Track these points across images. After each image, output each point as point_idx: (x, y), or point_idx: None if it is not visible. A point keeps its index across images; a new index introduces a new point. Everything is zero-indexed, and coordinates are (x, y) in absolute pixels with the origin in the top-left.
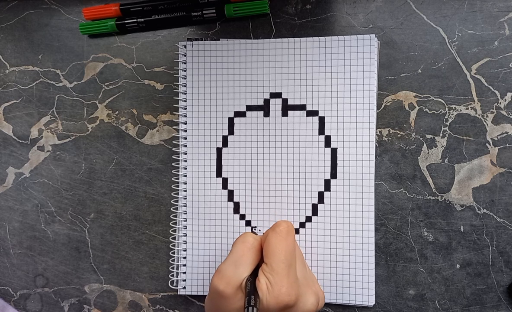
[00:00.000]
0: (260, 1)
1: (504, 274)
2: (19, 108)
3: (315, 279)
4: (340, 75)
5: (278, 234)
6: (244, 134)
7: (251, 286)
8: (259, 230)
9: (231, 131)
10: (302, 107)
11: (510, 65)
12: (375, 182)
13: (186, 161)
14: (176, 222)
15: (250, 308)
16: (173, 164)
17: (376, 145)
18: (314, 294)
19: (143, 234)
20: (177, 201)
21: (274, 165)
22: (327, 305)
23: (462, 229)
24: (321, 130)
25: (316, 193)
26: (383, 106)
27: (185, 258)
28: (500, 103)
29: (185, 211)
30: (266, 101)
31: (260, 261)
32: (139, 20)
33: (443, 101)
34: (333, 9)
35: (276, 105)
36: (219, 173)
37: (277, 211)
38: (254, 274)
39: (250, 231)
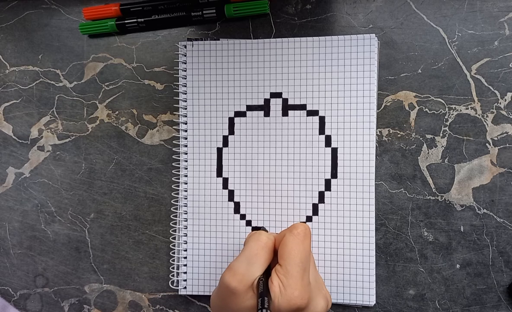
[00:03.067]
0: (260, 1)
1: (504, 274)
2: (19, 108)
3: (323, 281)
4: (340, 75)
5: (295, 237)
6: (244, 134)
7: (263, 287)
8: (264, 228)
9: (231, 131)
10: (302, 107)
11: (510, 65)
12: (375, 182)
13: (186, 161)
14: (176, 222)
15: (264, 311)
16: (173, 164)
17: (376, 145)
18: (324, 298)
19: (143, 234)
20: (177, 201)
21: (274, 165)
22: None
23: (462, 229)
24: (322, 130)
25: (317, 193)
26: (383, 106)
27: (185, 258)
28: (500, 103)
29: (186, 211)
30: (266, 101)
31: (272, 261)
32: (139, 20)
33: (443, 101)
34: (333, 9)
35: (276, 105)
36: (219, 172)
37: (277, 210)
38: (266, 274)
39: (252, 230)
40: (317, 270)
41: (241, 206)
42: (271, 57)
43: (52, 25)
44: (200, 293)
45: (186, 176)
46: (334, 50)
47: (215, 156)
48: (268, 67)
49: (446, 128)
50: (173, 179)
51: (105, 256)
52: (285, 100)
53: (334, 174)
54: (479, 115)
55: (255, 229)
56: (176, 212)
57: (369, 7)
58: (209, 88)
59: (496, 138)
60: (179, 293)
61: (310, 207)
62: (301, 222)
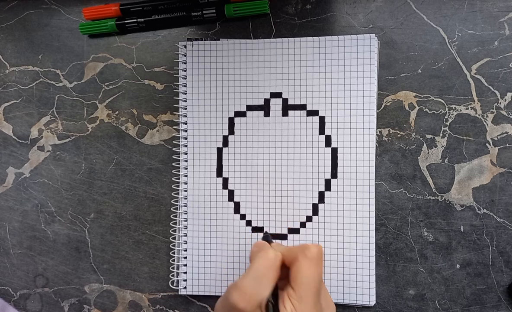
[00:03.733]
0: (260, 1)
1: (504, 274)
2: (19, 108)
3: (331, 298)
4: (340, 75)
5: (310, 261)
6: (244, 134)
7: (274, 311)
8: (265, 232)
9: (231, 131)
10: (302, 107)
11: (510, 65)
12: (375, 181)
13: (186, 161)
14: (176, 222)
15: None
16: (173, 164)
17: (376, 145)
18: (332, 309)
19: (143, 234)
20: (177, 201)
21: (274, 165)
22: None
23: (462, 229)
24: (322, 130)
25: (317, 193)
26: (383, 106)
27: (185, 258)
28: (500, 103)
29: (186, 211)
30: (266, 101)
31: (281, 279)
32: (139, 20)
33: (443, 101)
34: (333, 9)
35: (276, 105)
36: (219, 172)
37: (277, 210)
38: (274, 294)
39: (252, 231)
40: (325, 287)
41: (241, 206)
42: (271, 57)
43: (52, 25)
44: (200, 293)
45: (186, 176)
46: (334, 50)
47: (215, 156)
48: (268, 67)
49: (446, 128)
50: (173, 179)
51: (105, 256)
52: (285, 100)
53: (334, 174)
54: (479, 115)
55: (255, 229)
56: (176, 212)
57: (369, 7)
58: (209, 88)
59: (496, 138)
60: (179, 293)
61: (310, 207)
62: (313, 244)
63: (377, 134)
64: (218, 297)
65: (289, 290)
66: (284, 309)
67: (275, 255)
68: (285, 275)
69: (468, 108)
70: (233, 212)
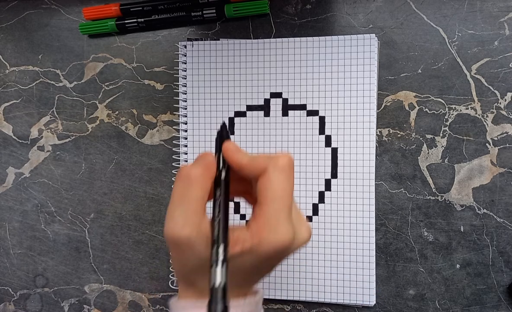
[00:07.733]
0: (260, 1)
1: (504, 274)
2: (19, 108)
3: (304, 220)
4: (340, 75)
5: (281, 172)
6: (244, 134)
7: (220, 229)
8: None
9: (231, 131)
10: (302, 107)
11: (510, 65)
12: (375, 181)
13: (186, 161)
14: None
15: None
16: (173, 164)
17: (376, 145)
18: (306, 226)
19: (143, 234)
20: None
21: None
22: (327, 305)
23: (462, 229)
24: (322, 130)
25: (317, 193)
26: (383, 106)
27: None
28: (500, 103)
29: None
30: (267, 101)
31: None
32: (139, 20)
33: (443, 101)
34: (333, 9)
35: (276, 105)
36: None
37: None
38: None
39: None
40: (296, 203)
41: (241, 206)
42: (271, 57)
43: (52, 25)
44: None
45: None
46: (334, 50)
47: None
48: (268, 67)
49: (446, 128)
50: (173, 179)
51: (105, 256)
52: (285, 100)
53: (334, 174)
54: (479, 115)
55: None
56: None
57: (369, 7)
58: (209, 88)
59: (496, 138)
60: None
61: (310, 207)
62: (282, 154)
63: (377, 134)
64: None
65: (254, 209)
66: (246, 231)
67: (193, 173)
68: (244, 189)
69: (468, 108)
70: (233, 212)
